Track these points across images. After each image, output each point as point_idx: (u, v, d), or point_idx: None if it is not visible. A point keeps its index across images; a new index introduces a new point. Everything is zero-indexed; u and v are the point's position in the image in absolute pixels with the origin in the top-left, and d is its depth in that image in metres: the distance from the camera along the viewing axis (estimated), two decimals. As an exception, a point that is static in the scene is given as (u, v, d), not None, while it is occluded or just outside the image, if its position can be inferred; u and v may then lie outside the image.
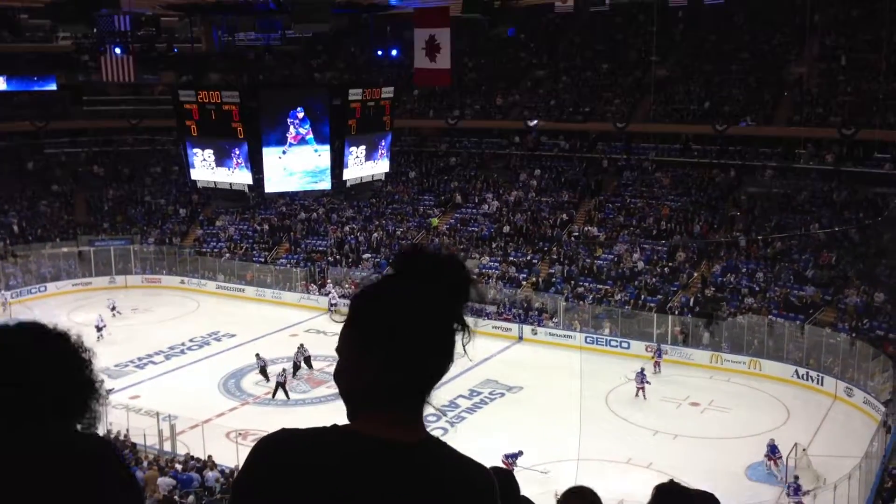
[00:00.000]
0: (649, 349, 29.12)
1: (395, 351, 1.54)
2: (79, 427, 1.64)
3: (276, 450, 1.57)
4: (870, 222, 31.43)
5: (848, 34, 38.01)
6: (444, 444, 1.61)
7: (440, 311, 1.57)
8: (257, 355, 27.87)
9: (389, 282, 1.61)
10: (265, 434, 1.62)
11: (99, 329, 31.01)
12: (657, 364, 28.01)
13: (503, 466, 3.32)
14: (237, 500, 1.61)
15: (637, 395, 25.76)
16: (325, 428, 1.59)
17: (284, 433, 1.58)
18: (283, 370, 26.48)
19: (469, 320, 1.61)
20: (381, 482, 1.51)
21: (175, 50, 36.21)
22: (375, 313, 1.57)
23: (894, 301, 27.52)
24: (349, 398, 1.62)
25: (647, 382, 25.88)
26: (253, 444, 1.65)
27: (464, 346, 1.59)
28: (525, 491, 3.29)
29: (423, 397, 1.61)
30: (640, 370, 26.18)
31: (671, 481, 2.93)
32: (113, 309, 33.51)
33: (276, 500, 1.54)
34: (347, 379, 1.61)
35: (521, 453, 20.42)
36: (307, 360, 28.04)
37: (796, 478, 19.36)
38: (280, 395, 25.95)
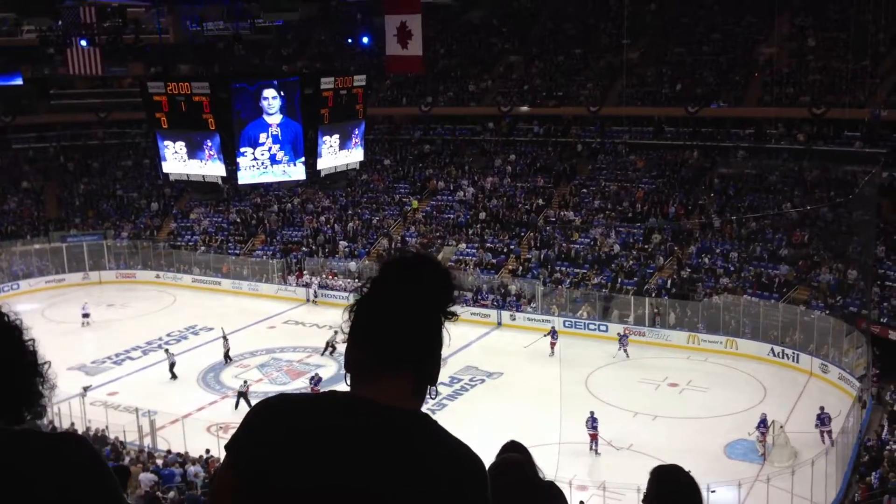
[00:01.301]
0: (548, 333, 28.98)
1: (368, 332, 1.73)
2: (27, 416, 1.62)
3: (271, 411, 1.67)
4: (841, 200, 31.72)
5: (816, 13, 38.28)
6: (436, 422, 1.67)
7: (406, 303, 1.73)
8: (167, 350, 27.54)
9: (372, 285, 1.79)
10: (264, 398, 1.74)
11: (85, 316, 31.51)
12: (552, 345, 28.15)
13: (520, 442, 2.98)
14: (233, 457, 1.68)
15: (627, 356, 27.75)
16: (321, 393, 1.73)
17: (280, 396, 1.71)
18: (245, 381, 24.91)
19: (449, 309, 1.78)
20: (367, 434, 1.60)
21: (143, 42, 35.63)
22: (358, 306, 1.77)
23: (866, 278, 27.85)
24: (349, 372, 1.77)
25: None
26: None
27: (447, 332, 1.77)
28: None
29: (407, 372, 1.71)
30: (620, 335, 28.27)
31: (671, 465, 2.90)
32: None
33: (267, 458, 1.61)
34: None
35: (592, 413, 21.15)
36: (226, 355, 27.94)
37: (822, 408, 19.93)
38: (243, 406, 23.83)
